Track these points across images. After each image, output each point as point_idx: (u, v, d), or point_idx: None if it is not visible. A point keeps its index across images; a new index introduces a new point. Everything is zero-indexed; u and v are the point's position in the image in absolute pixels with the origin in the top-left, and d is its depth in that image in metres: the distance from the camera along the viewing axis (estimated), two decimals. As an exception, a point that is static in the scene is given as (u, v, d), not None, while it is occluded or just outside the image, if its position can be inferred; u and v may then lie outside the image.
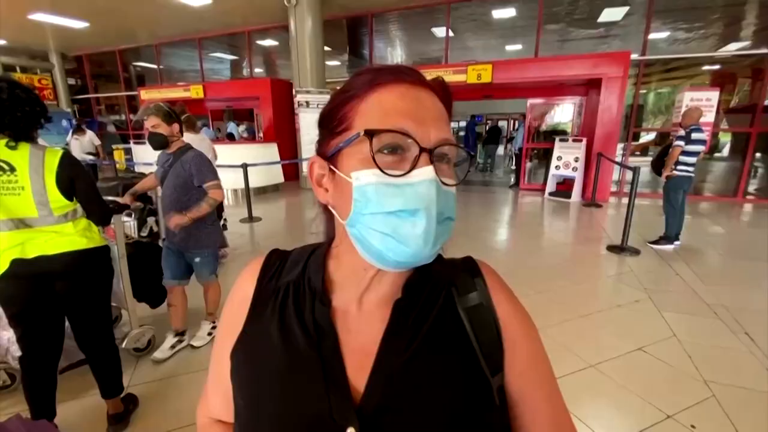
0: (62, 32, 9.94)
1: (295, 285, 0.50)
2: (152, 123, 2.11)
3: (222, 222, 2.55)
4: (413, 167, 0.39)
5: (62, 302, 1.63)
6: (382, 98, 0.41)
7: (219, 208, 2.48)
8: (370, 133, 0.39)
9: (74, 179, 1.56)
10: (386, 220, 0.39)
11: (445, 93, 0.45)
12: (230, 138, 9.17)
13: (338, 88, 0.46)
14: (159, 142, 2.14)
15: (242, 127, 10.80)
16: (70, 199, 1.57)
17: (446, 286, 0.49)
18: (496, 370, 0.46)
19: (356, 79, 0.44)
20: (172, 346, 2.36)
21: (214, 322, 2.56)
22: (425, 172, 0.39)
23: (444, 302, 0.48)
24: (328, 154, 0.45)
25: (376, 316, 0.47)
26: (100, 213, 1.68)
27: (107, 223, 1.77)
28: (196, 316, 2.59)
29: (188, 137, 3.61)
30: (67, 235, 1.58)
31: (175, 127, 2.18)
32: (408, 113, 0.40)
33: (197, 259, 2.32)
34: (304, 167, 7.73)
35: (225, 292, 3.22)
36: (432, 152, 0.40)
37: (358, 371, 0.44)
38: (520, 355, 0.48)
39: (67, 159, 1.56)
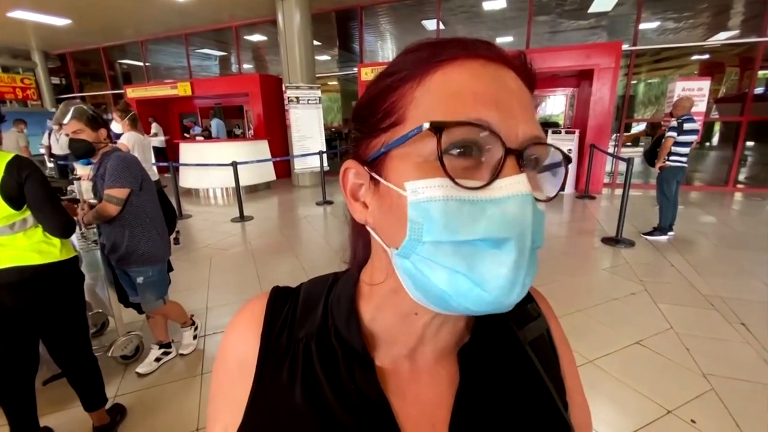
0: (44, 30, 9.68)
1: (318, 339, 0.38)
2: (73, 128, 1.81)
3: (174, 236, 2.28)
4: (496, 176, 0.28)
5: (19, 317, 1.52)
6: (449, 78, 0.30)
7: (171, 218, 2.21)
8: (438, 127, 0.27)
9: (23, 185, 1.42)
10: (457, 251, 0.28)
11: (529, 74, 0.33)
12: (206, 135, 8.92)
13: (381, 71, 0.34)
14: (82, 149, 1.84)
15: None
16: (17, 207, 1.44)
17: (505, 317, 0.41)
18: (565, 405, 0.41)
19: (408, 56, 0.32)
20: (157, 359, 2.24)
21: (193, 323, 2.43)
22: (516, 183, 0.28)
23: (508, 339, 0.41)
24: (368, 157, 0.33)
25: (437, 373, 0.38)
26: (54, 223, 1.50)
27: (66, 235, 1.56)
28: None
29: (131, 136, 3.45)
30: (16, 248, 1.45)
31: (102, 132, 1.89)
32: (488, 99, 0.28)
33: (139, 279, 2.01)
34: (296, 164, 7.68)
35: (213, 292, 3.16)
36: (521, 155, 0.29)
37: None
38: (572, 384, 0.45)
39: (15, 163, 1.41)
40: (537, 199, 0.30)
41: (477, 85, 0.29)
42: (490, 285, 0.27)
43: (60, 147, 6.49)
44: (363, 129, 0.35)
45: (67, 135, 1.84)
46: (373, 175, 0.33)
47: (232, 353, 0.40)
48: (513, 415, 0.37)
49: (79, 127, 1.82)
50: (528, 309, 0.45)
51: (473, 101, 0.28)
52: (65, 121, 1.81)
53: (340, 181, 0.37)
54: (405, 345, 0.37)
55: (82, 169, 2.07)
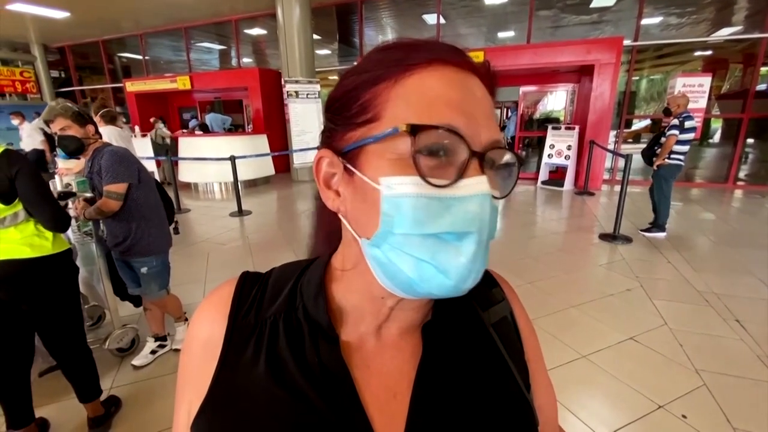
0: (43, 23, 9.63)
1: (286, 317, 0.39)
2: (60, 125, 1.79)
3: (173, 226, 2.30)
4: (461, 175, 0.30)
5: (13, 310, 1.53)
6: (424, 83, 0.32)
7: (170, 209, 2.25)
8: (415, 130, 0.29)
9: (14, 180, 1.41)
10: (424, 243, 0.30)
11: (492, 81, 0.36)
12: (203, 129, 8.87)
13: (350, 67, 0.36)
14: (72, 146, 1.83)
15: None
16: (7, 202, 1.43)
17: (469, 300, 0.43)
18: (528, 386, 0.43)
19: (381, 55, 0.34)
20: (153, 352, 2.25)
21: (186, 320, 2.42)
22: (478, 184, 0.30)
23: (472, 320, 0.43)
24: (343, 148, 0.34)
25: (401, 347, 0.39)
26: (48, 217, 1.50)
27: (61, 228, 1.56)
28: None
29: (109, 131, 3.40)
30: (8, 242, 1.45)
31: (90, 128, 1.88)
32: (457, 106, 0.31)
33: (143, 270, 2.05)
34: (295, 159, 7.66)
35: (210, 287, 3.16)
36: (483, 157, 0.31)
37: (387, 419, 0.36)
38: (536, 367, 0.47)
39: (5, 157, 1.39)
40: (493, 197, 0.32)
41: (449, 92, 0.31)
42: (452, 272, 0.30)
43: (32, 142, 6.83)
44: (337, 121, 0.35)
45: (55, 133, 1.82)
46: (348, 166, 0.34)
47: (199, 334, 0.41)
48: (473, 388, 0.38)
49: (66, 124, 1.81)
50: (492, 293, 0.47)
51: (445, 108, 0.31)
52: (52, 119, 1.80)
53: (313, 170, 0.38)
54: (372, 322, 0.39)
55: (63, 163, 2.06)
